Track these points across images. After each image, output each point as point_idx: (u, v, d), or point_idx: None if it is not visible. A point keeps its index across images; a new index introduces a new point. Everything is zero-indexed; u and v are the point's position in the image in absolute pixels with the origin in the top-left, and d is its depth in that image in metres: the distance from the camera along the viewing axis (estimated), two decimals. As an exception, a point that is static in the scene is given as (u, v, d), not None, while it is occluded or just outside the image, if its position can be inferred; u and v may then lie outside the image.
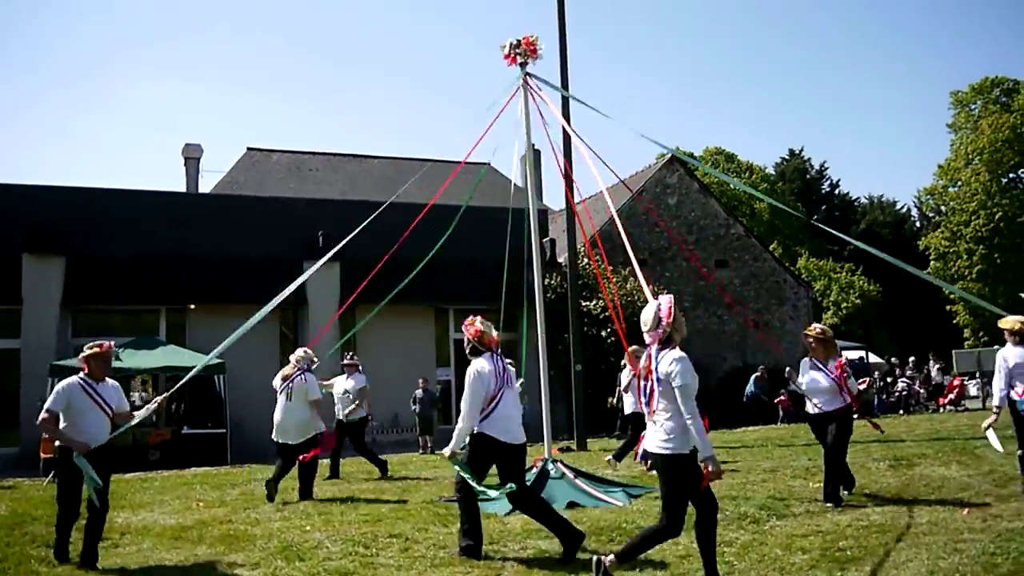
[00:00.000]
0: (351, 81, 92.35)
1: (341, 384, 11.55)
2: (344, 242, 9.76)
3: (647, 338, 4.97)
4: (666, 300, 4.94)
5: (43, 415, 6.26)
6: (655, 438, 4.86)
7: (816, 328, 8.04)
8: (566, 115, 14.84)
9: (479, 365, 6.08)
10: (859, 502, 7.66)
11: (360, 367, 11.91)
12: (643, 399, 4.98)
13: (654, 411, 4.86)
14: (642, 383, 4.96)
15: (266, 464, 14.47)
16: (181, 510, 8.95)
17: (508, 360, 6.41)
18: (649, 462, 6.26)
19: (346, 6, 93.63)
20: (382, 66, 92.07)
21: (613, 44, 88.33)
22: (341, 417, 11.46)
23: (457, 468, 5.98)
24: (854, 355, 26.59)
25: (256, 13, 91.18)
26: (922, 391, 23.54)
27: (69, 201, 17.30)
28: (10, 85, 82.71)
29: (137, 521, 8.26)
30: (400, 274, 11.59)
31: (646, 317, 4.94)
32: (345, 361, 11.91)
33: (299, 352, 9.85)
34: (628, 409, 11.16)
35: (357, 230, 9.79)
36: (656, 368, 4.81)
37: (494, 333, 6.27)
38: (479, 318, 6.32)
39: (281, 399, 9.44)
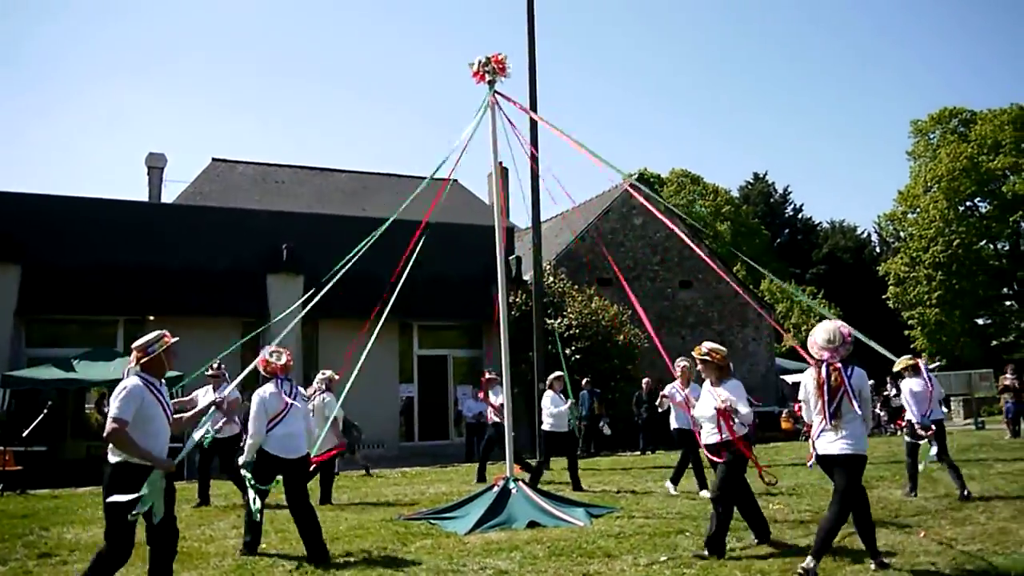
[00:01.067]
0: (318, 94, 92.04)
1: (203, 397, 9.80)
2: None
3: (824, 354, 5.73)
4: (842, 324, 5.82)
5: (113, 425, 4.83)
6: (840, 441, 5.67)
7: (705, 347, 6.83)
8: (534, 134, 14.90)
9: (263, 390, 6.89)
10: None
11: (227, 376, 10.64)
12: (827, 408, 5.67)
13: (837, 418, 5.66)
14: (824, 394, 5.67)
15: (221, 480, 14.24)
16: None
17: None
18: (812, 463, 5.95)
19: (314, 21, 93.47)
20: (349, 80, 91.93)
21: (582, 60, 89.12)
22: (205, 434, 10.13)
23: (246, 475, 6.72)
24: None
25: (225, 26, 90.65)
26: (882, 414, 23.83)
27: (26, 207, 16.92)
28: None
29: (88, 537, 8.06)
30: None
31: (827, 336, 5.75)
32: (209, 372, 10.65)
33: (321, 374, 11.35)
34: (675, 424, 10.65)
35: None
36: (849, 381, 5.64)
37: (282, 361, 7.07)
38: (268, 349, 7.14)
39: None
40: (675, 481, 10.68)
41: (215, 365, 10.62)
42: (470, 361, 21.27)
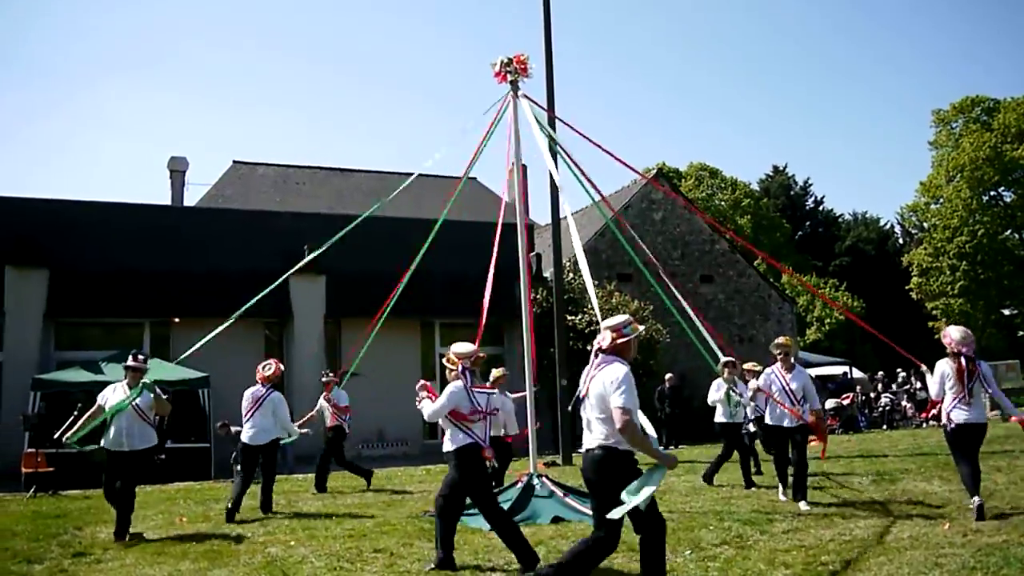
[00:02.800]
0: (338, 94, 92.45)
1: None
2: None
3: (962, 348, 7.49)
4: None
5: (624, 417, 4.60)
6: (972, 412, 7.44)
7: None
8: (552, 127, 14.93)
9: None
10: (842, 517, 7.71)
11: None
12: (965, 389, 7.41)
13: (971, 396, 7.43)
14: (964, 379, 7.40)
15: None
16: (164, 525, 8.90)
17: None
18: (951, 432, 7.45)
19: (333, 19, 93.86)
20: (369, 79, 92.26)
21: (601, 58, 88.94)
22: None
23: None
24: (838, 370, 26.72)
25: (243, 27, 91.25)
26: (908, 406, 23.70)
27: (53, 213, 17.19)
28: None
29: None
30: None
31: (963, 335, 7.58)
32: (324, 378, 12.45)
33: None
34: (721, 419, 10.68)
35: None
36: (981, 368, 7.52)
37: (268, 372, 9.39)
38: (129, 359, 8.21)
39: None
40: (709, 478, 10.62)
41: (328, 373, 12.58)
42: (491, 359, 21.34)
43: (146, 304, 17.52)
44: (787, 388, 8.62)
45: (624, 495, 4.51)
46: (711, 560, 6.05)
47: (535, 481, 8.87)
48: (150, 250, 17.46)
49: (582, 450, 5.10)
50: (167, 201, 26.88)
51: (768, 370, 9.00)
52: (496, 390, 9.47)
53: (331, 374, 12.46)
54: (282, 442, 10.06)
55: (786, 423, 8.62)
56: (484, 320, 9.20)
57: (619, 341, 4.86)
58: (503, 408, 10.00)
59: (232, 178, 28.04)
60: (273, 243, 18.42)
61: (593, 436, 4.80)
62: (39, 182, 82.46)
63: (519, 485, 8.84)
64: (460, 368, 6.29)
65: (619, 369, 4.74)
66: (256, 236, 18.61)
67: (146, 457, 8.15)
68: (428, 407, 6.24)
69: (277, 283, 10.69)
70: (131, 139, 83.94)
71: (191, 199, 27.15)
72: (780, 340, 8.89)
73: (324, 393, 12.06)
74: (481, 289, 9.76)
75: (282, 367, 10.28)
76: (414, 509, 9.39)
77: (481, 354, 6.76)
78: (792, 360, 9.07)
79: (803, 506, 8.23)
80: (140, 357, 8.27)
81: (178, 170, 27.27)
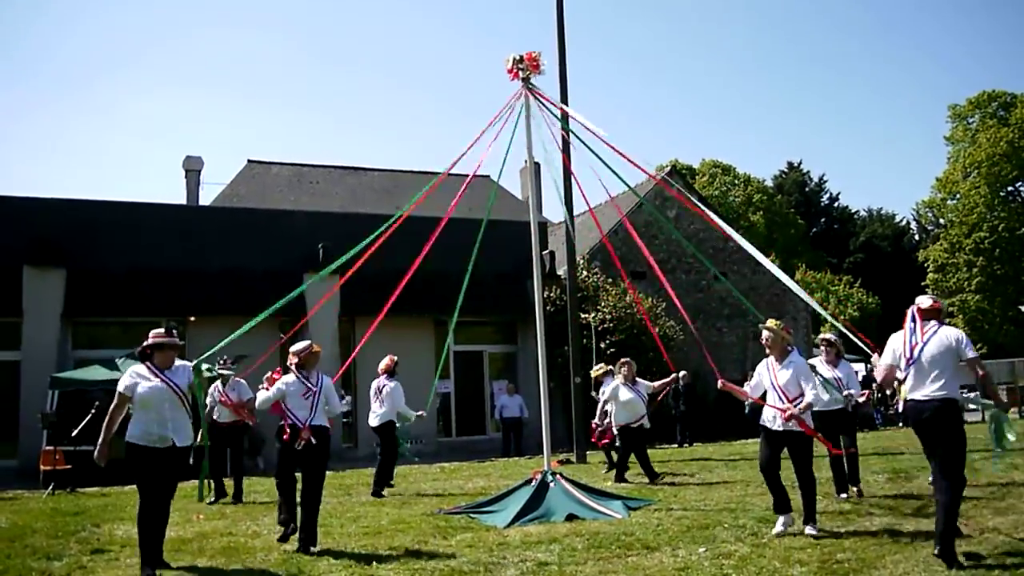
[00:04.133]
0: (351, 93, 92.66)
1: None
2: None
3: None
4: None
5: None
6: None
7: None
8: (566, 130, 14.93)
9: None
10: (857, 514, 7.68)
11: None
12: None
13: None
14: None
15: (267, 476, 14.49)
16: (181, 522, 8.96)
17: None
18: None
19: (346, 18, 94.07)
20: (383, 77, 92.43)
21: (613, 55, 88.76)
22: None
23: None
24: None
25: (258, 26, 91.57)
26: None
27: (70, 213, 17.35)
28: (10, 95, 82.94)
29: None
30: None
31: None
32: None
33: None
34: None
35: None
36: None
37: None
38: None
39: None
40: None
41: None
42: (505, 357, 21.39)
43: (162, 303, 17.64)
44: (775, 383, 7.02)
45: (1009, 438, 5.96)
46: (726, 558, 6.05)
47: (549, 479, 8.88)
48: (166, 249, 17.60)
49: (918, 398, 5.75)
50: (182, 200, 27.07)
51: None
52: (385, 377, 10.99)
53: (228, 361, 10.69)
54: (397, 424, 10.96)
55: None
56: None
57: (937, 305, 5.93)
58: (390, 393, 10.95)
59: (247, 177, 28.19)
60: (288, 242, 18.54)
61: (933, 388, 5.66)
62: (56, 182, 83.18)
63: (533, 483, 8.85)
64: (294, 363, 7.37)
65: (957, 330, 5.81)
66: (271, 235, 18.72)
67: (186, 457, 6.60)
68: (260, 396, 7.42)
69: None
70: (146, 139, 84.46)
71: (206, 198, 27.35)
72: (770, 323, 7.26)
73: (217, 385, 10.53)
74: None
75: (395, 358, 11.51)
76: (429, 506, 9.42)
77: (315, 348, 7.66)
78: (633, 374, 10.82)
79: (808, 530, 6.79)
80: (174, 331, 6.81)
81: (193, 169, 27.47)
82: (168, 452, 6.20)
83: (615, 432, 11.76)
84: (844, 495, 8.71)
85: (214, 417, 10.60)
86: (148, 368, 6.38)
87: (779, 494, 6.95)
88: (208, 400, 10.39)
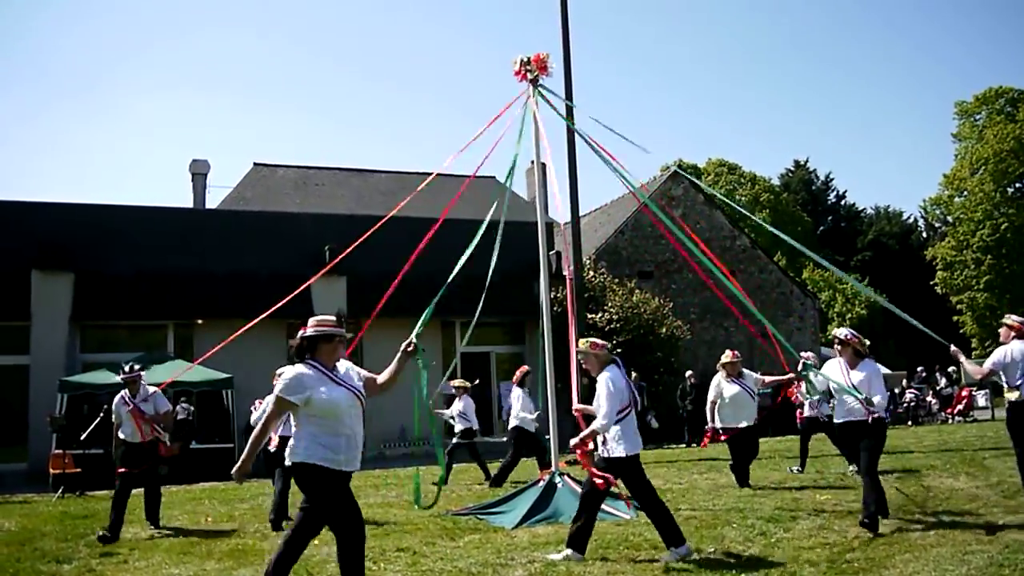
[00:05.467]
0: (356, 95, 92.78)
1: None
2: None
3: None
4: None
5: None
6: None
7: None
8: (571, 129, 14.93)
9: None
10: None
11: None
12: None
13: None
14: None
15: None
16: (189, 525, 8.99)
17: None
18: None
19: (352, 20, 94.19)
20: (389, 79, 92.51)
21: (618, 54, 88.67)
22: None
23: None
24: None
25: (262, 29, 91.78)
26: (933, 402, 23.47)
27: (77, 217, 17.43)
28: (16, 97, 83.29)
29: (146, 536, 8.30)
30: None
31: None
32: None
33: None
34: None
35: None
36: None
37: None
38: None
39: None
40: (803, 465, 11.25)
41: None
42: (512, 357, 21.38)
43: (170, 306, 17.70)
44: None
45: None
46: (734, 558, 6.04)
47: (557, 480, 8.87)
48: (173, 253, 17.66)
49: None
50: (189, 204, 27.13)
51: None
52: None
53: (134, 368, 8.98)
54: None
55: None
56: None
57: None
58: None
59: (253, 180, 28.25)
60: (294, 244, 18.57)
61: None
62: (63, 187, 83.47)
63: (541, 484, 8.85)
64: None
65: None
66: (277, 237, 18.77)
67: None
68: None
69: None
70: (154, 143, 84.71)
71: (213, 201, 27.38)
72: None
73: (124, 394, 8.73)
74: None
75: (526, 368, 12.55)
76: (437, 508, 9.42)
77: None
78: (738, 369, 10.22)
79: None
80: (343, 320, 6.35)
81: (200, 173, 27.52)
82: (347, 478, 4.83)
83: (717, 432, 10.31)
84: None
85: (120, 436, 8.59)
86: (315, 367, 4.81)
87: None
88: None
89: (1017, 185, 39.47)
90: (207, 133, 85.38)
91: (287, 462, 4.80)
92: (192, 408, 16.25)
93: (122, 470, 8.44)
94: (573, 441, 6.37)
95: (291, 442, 4.76)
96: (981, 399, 24.48)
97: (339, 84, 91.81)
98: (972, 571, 5.35)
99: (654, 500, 6.23)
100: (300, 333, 4.94)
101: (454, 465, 13.14)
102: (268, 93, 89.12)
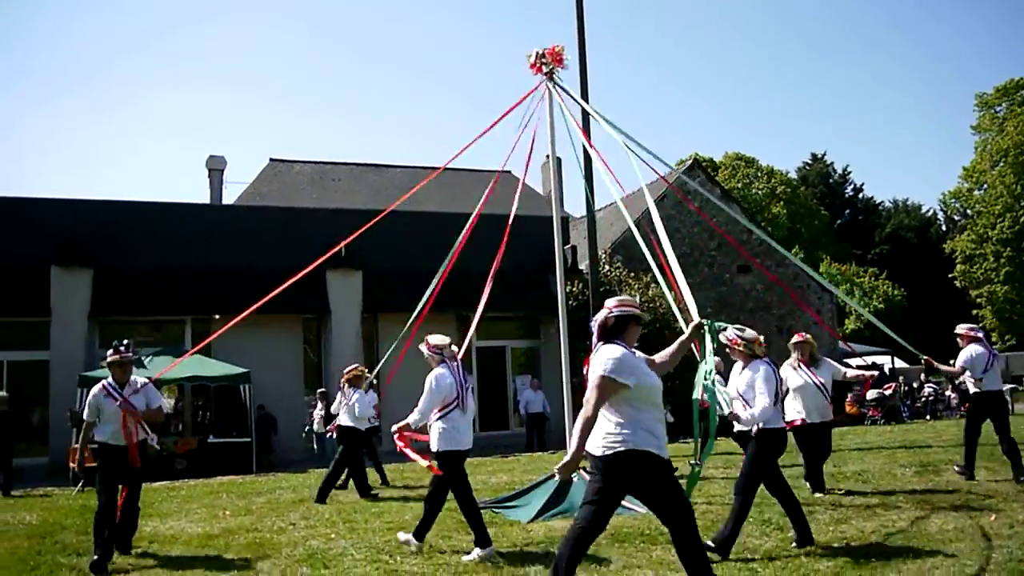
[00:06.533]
0: (374, 90, 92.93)
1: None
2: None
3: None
4: None
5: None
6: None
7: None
8: (587, 124, 14.88)
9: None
10: (884, 508, 7.61)
11: None
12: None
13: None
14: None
15: (290, 472, 14.62)
16: (208, 518, 9.05)
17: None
18: None
19: (370, 14, 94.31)
20: (406, 74, 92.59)
21: (634, 49, 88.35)
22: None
23: None
24: (880, 359, 26.33)
25: (278, 25, 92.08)
26: (953, 396, 23.27)
27: (96, 214, 17.55)
28: (29, 95, 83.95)
29: (165, 530, 8.37)
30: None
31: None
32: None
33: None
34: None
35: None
36: None
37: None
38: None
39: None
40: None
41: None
42: (528, 352, 21.39)
43: (187, 301, 17.80)
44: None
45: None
46: (751, 552, 6.02)
47: (573, 475, 8.85)
48: (191, 248, 17.77)
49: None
50: (206, 200, 27.29)
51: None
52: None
53: (130, 348, 7.34)
54: None
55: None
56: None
57: None
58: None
59: (269, 176, 28.36)
60: (311, 239, 18.56)
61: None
62: (83, 184, 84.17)
63: (556, 479, 8.84)
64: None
65: None
66: (294, 233, 18.82)
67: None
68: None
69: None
70: (171, 139, 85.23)
71: (229, 197, 27.54)
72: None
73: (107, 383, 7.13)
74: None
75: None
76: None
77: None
78: (809, 352, 8.91)
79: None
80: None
81: (216, 169, 27.66)
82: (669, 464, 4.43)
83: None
84: None
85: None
86: (627, 348, 4.47)
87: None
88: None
89: (1038, 177, 39.03)
90: (224, 129, 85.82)
91: (608, 451, 4.23)
92: (173, 401, 16.44)
93: (104, 483, 6.73)
94: (393, 428, 6.76)
95: (608, 429, 4.28)
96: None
97: (357, 79, 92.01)
98: (992, 566, 5.30)
99: (468, 499, 6.55)
100: (606, 312, 4.59)
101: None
102: (285, 88, 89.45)
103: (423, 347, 6.91)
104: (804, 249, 44.14)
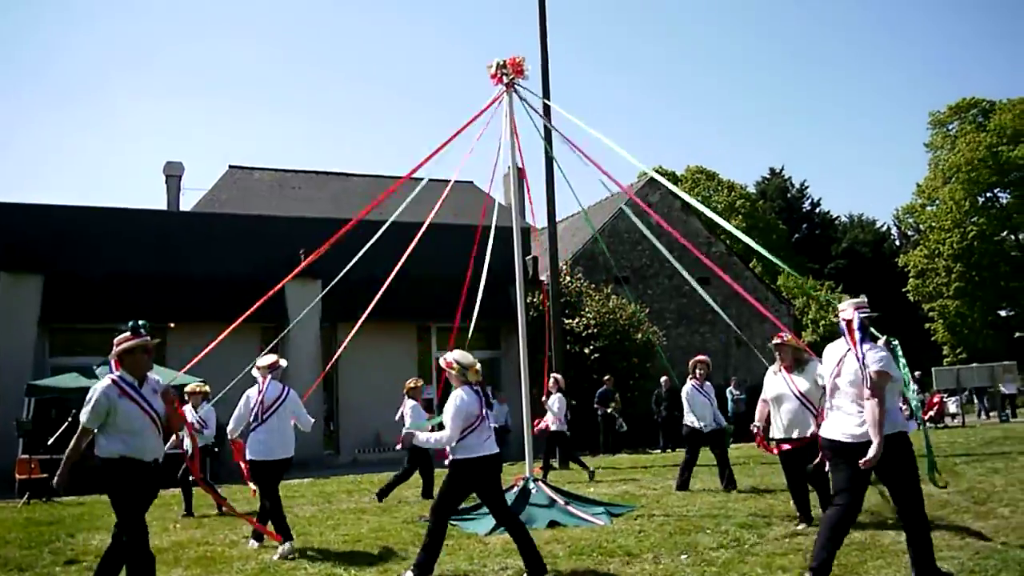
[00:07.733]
0: (334, 98, 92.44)
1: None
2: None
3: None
4: None
5: None
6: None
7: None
8: (548, 135, 14.91)
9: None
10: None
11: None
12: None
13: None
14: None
15: (244, 485, 14.34)
16: (158, 531, 8.84)
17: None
18: None
19: (328, 22, 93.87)
20: (366, 82, 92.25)
21: (597, 61, 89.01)
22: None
23: None
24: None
25: (238, 30, 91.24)
26: (904, 408, 23.64)
27: (47, 218, 17.13)
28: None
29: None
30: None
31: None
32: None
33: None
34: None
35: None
36: None
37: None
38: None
39: None
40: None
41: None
42: (489, 362, 21.32)
43: (142, 309, 17.25)
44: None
45: None
46: (708, 564, 6.01)
47: (531, 486, 8.82)
48: (146, 255, 17.42)
49: None
50: (163, 206, 26.81)
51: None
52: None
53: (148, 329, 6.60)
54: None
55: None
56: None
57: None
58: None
59: (228, 183, 27.98)
60: (270, 247, 18.38)
61: None
62: (33, 187, 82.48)
63: (515, 489, 8.79)
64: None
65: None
66: (253, 241, 18.58)
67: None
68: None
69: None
70: (127, 144, 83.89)
71: (187, 204, 27.08)
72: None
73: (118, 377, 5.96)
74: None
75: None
76: (410, 514, 9.34)
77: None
78: (791, 356, 7.56)
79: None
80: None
81: (174, 175, 27.19)
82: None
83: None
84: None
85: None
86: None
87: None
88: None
89: (987, 194, 40.03)
90: (182, 135, 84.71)
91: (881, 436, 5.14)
92: None
93: (133, 510, 5.22)
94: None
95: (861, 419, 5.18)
96: (952, 405, 24.72)
97: (317, 87, 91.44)
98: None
99: (273, 498, 7.27)
100: (866, 311, 5.66)
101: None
102: (244, 95, 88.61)
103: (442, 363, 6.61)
104: (762, 263, 44.72)
